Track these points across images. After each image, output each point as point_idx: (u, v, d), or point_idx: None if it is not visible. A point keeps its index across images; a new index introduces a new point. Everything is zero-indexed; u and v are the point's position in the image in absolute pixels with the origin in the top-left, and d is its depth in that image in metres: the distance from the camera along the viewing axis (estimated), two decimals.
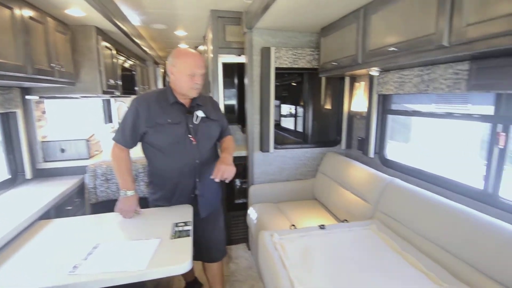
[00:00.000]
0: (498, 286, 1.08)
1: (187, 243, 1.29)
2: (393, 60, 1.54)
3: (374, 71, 1.89)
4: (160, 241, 1.30)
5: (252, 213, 2.34)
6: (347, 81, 2.51)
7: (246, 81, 2.45)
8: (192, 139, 1.54)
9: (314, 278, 1.18)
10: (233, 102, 3.07)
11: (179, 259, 1.17)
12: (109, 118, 3.89)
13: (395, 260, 1.31)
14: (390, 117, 2.16)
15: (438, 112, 1.76)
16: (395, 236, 1.51)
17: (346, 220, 1.82)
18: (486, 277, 1.14)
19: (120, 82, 2.78)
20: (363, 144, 2.37)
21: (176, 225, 1.46)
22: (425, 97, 1.88)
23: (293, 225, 1.81)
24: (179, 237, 1.35)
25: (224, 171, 1.47)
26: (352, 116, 2.56)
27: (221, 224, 1.82)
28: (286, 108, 3.78)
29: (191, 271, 2.03)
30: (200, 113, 1.58)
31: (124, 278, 1.07)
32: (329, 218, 2.16)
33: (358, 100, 2.40)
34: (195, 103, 1.57)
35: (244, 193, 2.75)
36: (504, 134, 1.39)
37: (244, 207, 2.72)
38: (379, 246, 1.42)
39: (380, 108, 2.15)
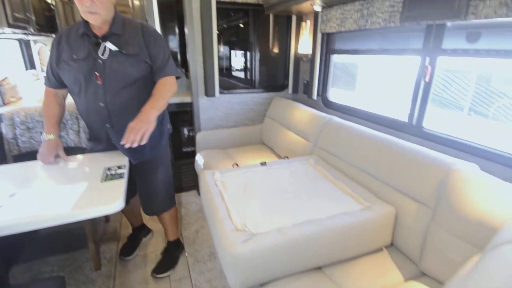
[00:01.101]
0: (413, 201, 1.23)
1: (120, 184, 1.23)
2: None
3: (317, 5, 1.82)
4: (88, 185, 1.21)
5: (199, 159, 2.31)
6: (293, 20, 2.42)
7: (185, 17, 2.22)
8: (97, 77, 1.30)
9: (251, 207, 1.22)
10: (176, 45, 2.82)
11: (110, 199, 1.11)
12: (30, 64, 3.36)
13: (327, 187, 1.40)
14: (333, 58, 2.17)
15: (375, 48, 1.79)
16: (330, 168, 1.61)
17: (287, 157, 1.89)
18: (404, 195, 1.28)
19: (33, 17, 2.33)
20: (307, 87, 2.39)
21: (109, 169, 1.37)
22: (366, 40, 1.89)
23: (236, 164, 1.83)
24: (111, 179, 1.27)
25: (131, 132, 1.16)
26: (298, 58, 2.52)
27: (161, 175, 1.60)
28: (237, 55, 3.60)
29: (139, 217, 1.99)
30: (109, 45, 1.28)
31: (44, 222, 0.99)
32: (274, 158, 2.22)
33: (304, 41, 2.35)
34: (111, 32, 1.29)
35: (192, 141, 2.68)
36: (430, 67, 1.47)
37: (193, 155, 2.67)
38: (314, 177, 1.50)
39: (324, 48, 2.14)
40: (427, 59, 1.46)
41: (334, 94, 2.25)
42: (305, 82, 2.47)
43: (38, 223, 0.99)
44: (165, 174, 1.64)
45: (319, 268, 1.19)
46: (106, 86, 1.32)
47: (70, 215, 1.02)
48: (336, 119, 1.84)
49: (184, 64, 2.72)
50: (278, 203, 1.25)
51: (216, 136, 2.51)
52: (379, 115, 1.75)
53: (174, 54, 2.79)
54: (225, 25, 3.10)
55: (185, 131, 2.70)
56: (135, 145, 1.19)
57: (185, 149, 2.72)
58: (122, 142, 1.19)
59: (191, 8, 2.15)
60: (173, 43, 2.81)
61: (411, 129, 1.56)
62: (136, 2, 3.41)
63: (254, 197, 1.30)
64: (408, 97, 1.59)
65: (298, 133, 2.08)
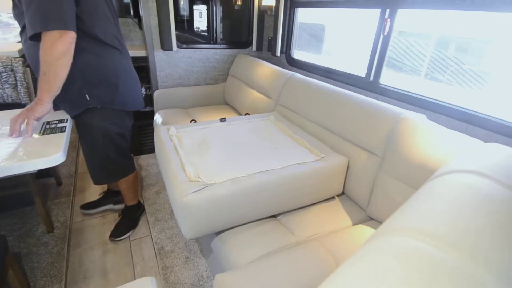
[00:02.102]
0: (364, 151, 1.28)
1: (61, 137, 1.12)
2: None
3: None
4: (23, 139, 1.09)
5: (158, 118, 2.20)
6: None
7: None
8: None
9: (207, 160, 1.19)
10: None
11: (49, 151, 1.01)
12: None
13: (285, 141, 1.41)
14: (298, 13, 2.09)
15: (338, 0, 1.73)
16: (289, 124, 1.62)
17: (247, 114, 1.86)
18: (356, 146, 1.32)
19: None
20: (271, 44, 2.30)
21: (48, 123, 1.25)
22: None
23: (194, 120, 1.76)
24: (50, 133, 1.16)
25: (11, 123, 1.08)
26: (263, 12, 2.39)
27: (86, 146, 1.42)
28: (197, 8, 3.33)
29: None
30: None
31: None
32: (234, 114, 2.18)
33: None
34: None
35: (150, 100, 2.52)
36: (389, 19, 1.46)
37: (152, 115, 2.54)
38: (273, 132, 1.50)
39: (288, 2, 2.03)
40: (387, 11, 1.45)
41: (301, 57, 2.20)
42: (269, 38, 2.37)
43: None
44: (91, 146, 1.41)
45: (274, 217, 1.22)
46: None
47: (1, 169, 0.92)
48: (298, 75, 1.82)
49: (136, 14, 2.46)
50: (234, 156, 1.24)
51: (176, 95, 2.38)
52: (339, 71, 1.75)
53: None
54: None
55: (142, 90, 2.52)
56: (15, 135, 1.09)
57: (142, 110, 2.55)
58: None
59: None
60: None
61: (368, 85, 1.58)
62: None
63: (211, 151, 1.26)
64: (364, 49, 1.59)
65: (260, 90, 2.04)
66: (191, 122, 1.69)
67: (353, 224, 1.21)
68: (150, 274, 1.49)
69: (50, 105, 1.15)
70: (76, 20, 1.10)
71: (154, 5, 2.06)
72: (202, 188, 0.98)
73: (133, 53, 2.25)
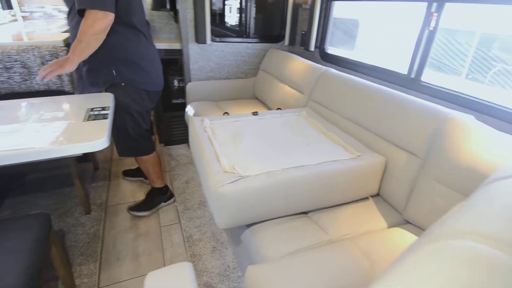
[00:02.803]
0: (403, 152, 1.22)
1: (104, 123, 1.17)
2: None
3: None
4: (68, 123, 1.15)
5: (189, 110, 2.24)
6: None
7: None
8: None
9: (240, 152, 1.19)
10: None
11: (93, 136, 1.06)
12: (7, 4, 3.08)
13: (318, 137, 1.38)
14: (334, 6, 2.02)
15: None
16: (322, 120, 1.58)
17: (279, 108, 1.84)
18: (395, 146, 1.26)
19: None
20: (305, 38, 2.26)
21: (92, 109, 1.31)
22: None
23: (226, 113, 1.78)
24: (94, 119, 1.21)
25: (49, 67, 1.25)
26: (297, 6, 2.34)
27: (116, 120, 1.50)
28: (230, 3, 3.34)
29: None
30: None
31: (19, 156, 0.95)
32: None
33: None
34: None
35: (182, 92, 2.58)
36: (436, 14, 1.37)
37: (183, 107, 2.59)
38: (305, 128, 1.47)
39: None
40: (434, 4, 1.36)
41: (335, 52, 2.14)
42: (303, 32, 2.32)
43: (16, 157, 0.95)
44: (114, 120, 1.47)
45: (305, 213, 1.20)
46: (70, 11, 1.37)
47: (50, 151, 0.98)
48: (332, 70, 1.77)
49: (172, 6, 2.51)
50: (267, 150, 1.23)
51: (208, 88, 2.41)
52: (377, 67, 1.68)
53: None
54: None
55: (175, 82, 2.58)
56: (37, 78, 1.27)
57: (175, 101, 2.62)
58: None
59: None
60: None
61: (409, 82, 1.50)
62: None
63: (244, 143, 1.27)
64: (410, 51, 1.51)
65: (292, 85, 2.01)
66: (223, 114, 1.70)
67: (389, 227, 1.16)
68: (179, 260, 1.53)
69: (76, 66, 1.30)
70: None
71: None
72: (237, 180, 0.98)
73: (168, 45, 2.33)
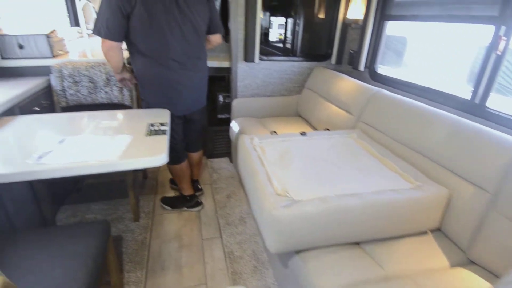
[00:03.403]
0: (469, 184, 1.13)
1: (163, 139, 1.24)
2: None
3: None
4: (132, 137, 1.24)
5: (234, 126, 2.29)
6: None
7: None
8: None
9: (291, 174, 1.19)
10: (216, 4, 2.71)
11: (155, 152, 1.13)
12: (75, 21, 3.44)
13: (371, 162, 1.33)
14: (387, 26, 1.98)
15: (439, 14, 1.59)
16: (374, 143, 1.52)
17: (327, 129, 1.81)
18: (459, 177, 1.17)
19: None
20: (354, 57, 2.23)
21: (152, 125, 1.39)
22: (429, 4, 1.68)
23: (274, 131, 1.79)
24: (154, 135, 1.29)
25: None
26: (346, 25, 2.33)
27: (202, 121, 1.96)
28: (276, 21, 3.42)
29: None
30: None
31: (95, 167, 1.03)
32: (311, 130, 2.15)
33: (355, 5, 2.15)
34: None
35: (227, 107, 2.66)
36: (505, 38, 1.28)
37: (227, 122, 2.67)
38: (357, 151, 1.42)
39: (378, 13, 1.94)
40: (503, 28, 1.27)
41: (386, 72, 2.08)
42: (351, 52, 2.29)
43: (88, 168, 1.03)
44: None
45: (357, 243, 1.15)
46: None
47: (120, 164, 1.05)
48: (385, 91, 1.71)
49: (224, 28, 2.63)
50: (319, 173, 1.21)
51: (252, 104, 2.46)
52: (434, 90, 1.59)
53: None
54: None
55: (220, 98, 2.67)
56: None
57: (219, 116, 2.70)
58: None
59: None
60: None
61: (473, 108, 1.40)
62: None
63: (294, 165, 1.26)
64: (465, 73, 1.42)
65: (339, 105, 1.97)
66: (271, 133, 1.71)
67: (451, 266, 1.06)
68: (219, 275, 1.54)
69: (118, 75, 1.66)
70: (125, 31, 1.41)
71: (243, 19, 2.17)
72: (291, 204, 0.97)
73: (218, 63, 2.42)
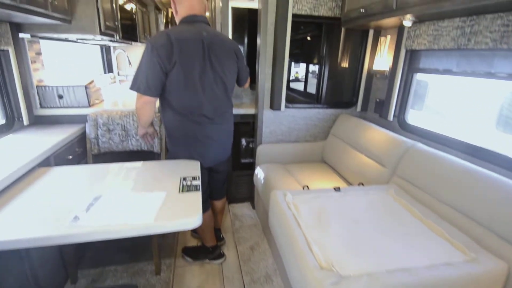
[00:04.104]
0: None
1: (197, 197, 1.21)
2: (436, 5, 1.33)
3: (408, 21, 1.66)
4: (166, 194, 1.22)
5: (259, 172, 2.26)
6: (371, 34, 2.27)
7: (258, 29, 2.22)
8: None
9: (331, 240, 1.11)
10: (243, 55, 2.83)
11: (189, 212, 1.09)
12: (108, 68, 3.68)
13: (416, 226, 1.24)
14: (416, 77, 1.98)
15: (476, 70, 1.57)
16: (414, 202, 1.43)
17: (361, 184, 1.74)
18: None
19: (119, 24, 2.53)
20: (381, 106, 2.22)
21: (184, 179, 1.38)
22: (463, 59, 1.68)
23: (306, 186, 1.73)
24: (187, 191, 1.27)
25: None
26: (372, 75, 2.36)
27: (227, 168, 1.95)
28: (298, 68, 3.53)
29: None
30: None
31: (130, 231, 1.00)
32: (339, 180, 2.08)
33: (381, 57, 2.19)
34: None
35: (250, 152, 2.65)
36: None
37: (250, 167, 2.65)
38: (398, 211, 1.34)
39: (406, 66, 1.96)
40: None
41: (418, 122, 2.03)
42: (378, 100, 2.29)
43: (124, 232, 1.00)
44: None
45: None
46: None
47: (154, 227, 1.02)
48: (421, 145, 1.65)
49: (250, 75, 2.72)
50: (361, 239, 1.13)
51: (277, 150, 2.44)
52: (476, 146, 1.51)
53: None
54: (291, 38, 3.06)
55: (244, 142, 2.68)
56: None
57: (243, 160, 2.69)
58: None
59: (266, 21, 2.14)
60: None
61: None
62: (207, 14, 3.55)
63: (333, 228, 1.18)
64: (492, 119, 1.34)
65: (370, 156, 1.92)
66: (303, 188, 1.66)
67: None
68: None
69: (143, 130, 1.71)
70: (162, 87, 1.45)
71: (270, 70, 2.24)
72: (338, 281, 0.89)
73: (244, 111, 2.47)
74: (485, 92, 1.76)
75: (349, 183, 2.02)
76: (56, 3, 1.66)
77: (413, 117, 2.03)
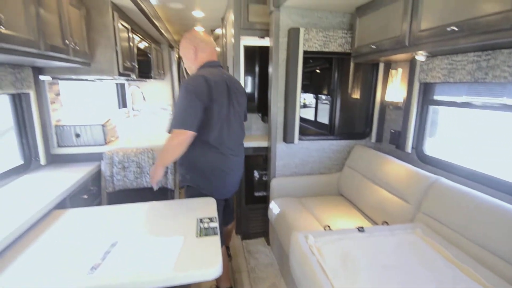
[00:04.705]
0: None
1: (215, 243, 1.16)
2: (451, 42, 1.33)
3: (421, 56, 1.67)
4: (183, 239, 1.17)
5: (274, 207, 2.20)
6: (381, 67, 2.29)
7: (270, 66, 2.27)
8: None
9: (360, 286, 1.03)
10: (254, 89, 2.89)
11: (209, 261, 1.04)
12: (123, 103, 3.78)
13: (450, 271, 1.15)
14: (431, 109, 1.96)
15: (494, 103, 1.54)
16: (444, 242, 1.35)
17: (386, 222, 1.66)
18: None
19: (136, 65, 2.63)
20: (397, 137, 2.18)
21: (201, 221, 1.34)
22: (480, 91, 1.66)
23: (328, 226, 1.66)
24: (205, 235, 1.22)
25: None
26: (384, 106, 2.35)
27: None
28: (307, 98, 3.57)
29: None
30: None
31: (149, 282, 0.95)
32: (359, 216, 2.00)
33: (393, 89, 2.20)
34: None
35: (263, 185, 2.61)
36: None
37: (264, 200, 2.59)
38: (430, 255, 1.25)
39: (421, 98, 1.95)
40: None
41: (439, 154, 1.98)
42: (393, 131, 2.26)
43: (142, 284, 0.95)
44: None
45: None
46: None
47: (173, 278, 0.97)
48: (445, 180, 1.58)
49: (260, 108, 2.75)
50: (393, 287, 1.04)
51: (291, 183, 2.39)
52: (506, 182, 1.44)
53: (251, 97, 2.82)
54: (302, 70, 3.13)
55: (256, 174, 2.64)
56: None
57: (256, 193, 2.64)
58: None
59: (277, 58, 2.20)
60: (251, 85, 2.87)
61: None
62: (218, 49, 3.68)
63: (361, 276, 1.10)
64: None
65: (391, 190, 1.85)
66: (325, 229, 1.60)
67: None
68: None
69: (161, 170, 1.60)
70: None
71: (283, 105, 2.26)
72: None
73: (256, 143, 2.46)
74: (504, 122, 1.71)
75: (371, 220, 1.94)
76: (77, 48, 1.74)
77: (428, 145, 1.98)
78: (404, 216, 1.68)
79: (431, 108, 1.96)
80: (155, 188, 1.66)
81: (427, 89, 1.93)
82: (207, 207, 1.48)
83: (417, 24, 1.50)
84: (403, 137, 2.04)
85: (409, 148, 2.01)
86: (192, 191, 1.66)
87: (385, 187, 1.91)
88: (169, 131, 1.50)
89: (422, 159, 1.96)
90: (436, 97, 1.92)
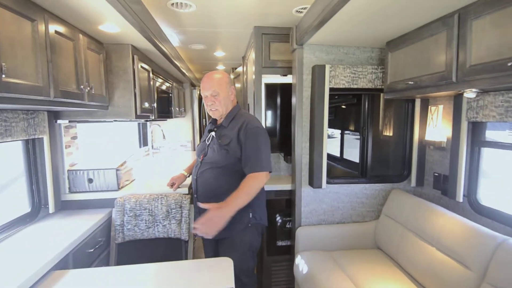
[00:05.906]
0: None
1: None
2: (510, 79, 1.12)
3: (471, 93, 1.45)
4: None
5: (301, 263, 1.92)
6: (417, 103, 2.07)
7: (293, 104, 2.12)
8: (201, 156, 1.63)
9: None
10: (275, 126, 2.73)
11: None
12: (144, 141, 3.76)
13: None
14: (483, 151, 1.68)
15: None
16: None
17: None
18: None
19: (155, 105, 2.58)
20: (442, 182, 1.89)
21: None
22: None
23: None
24: None
25: (203, 224, 1.29)
26: (424, 146, 2.09)
27: (238, 258, 1.48)
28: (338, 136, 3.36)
29: None
30: (213, 133, 1.63)
31: None
32: (405, 279, 1.66)
33: (434, 127, 1.95)
34: (220, 124, 1.63)
35: (288, 234, 2.34)
36: None
37: (288, 250, 2.30)
38: None
39: (469, 138, 1.69)
40: None
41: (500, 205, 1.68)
42: (436, 174, 1.97)
43: None
44: (238, 262, 1.43)
45: None
46: (202, 164, 1.61)
47: None
48: None
49: (283, 148, 2.57)
50: None
51: (320, 233, 2.11)
52: None
53: (273, 135, 2.66)
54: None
55: (279, 220, 2.39)
56: (200, 234, 1.33)
57: (279, 243, 2.36)
58: (194, 225, 1.32)
59: (301, 96, 2.05)
60: (272, 122, 2.71)
61: None
62: (238, 85, 3.65)
63: None
64: None
65: (443, 250, 1.53)
66: None
67: None
68: None
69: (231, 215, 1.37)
70: None
71: (308, 145, 2.07)
72: None
73: (279, 186, 2.25)
74: None
75: (419, 284, 1.60)
76: (93, 91, 1.69)
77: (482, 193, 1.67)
78: (465, 286, 1.35)
79: (483, 150, 1.68)
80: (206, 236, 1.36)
81: (475, 129, 1.67)
82: (222, 270, 1.25)
83: (466, 58, 1.30)
84: (451, 183, 1.75)
85: (460, 196, 1.70)
86: (257, 228, 1.63)
87: (435, 245, 1.58)
88: (250, 171, 1.47)
89: (477, 210, 1.65)
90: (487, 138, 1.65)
